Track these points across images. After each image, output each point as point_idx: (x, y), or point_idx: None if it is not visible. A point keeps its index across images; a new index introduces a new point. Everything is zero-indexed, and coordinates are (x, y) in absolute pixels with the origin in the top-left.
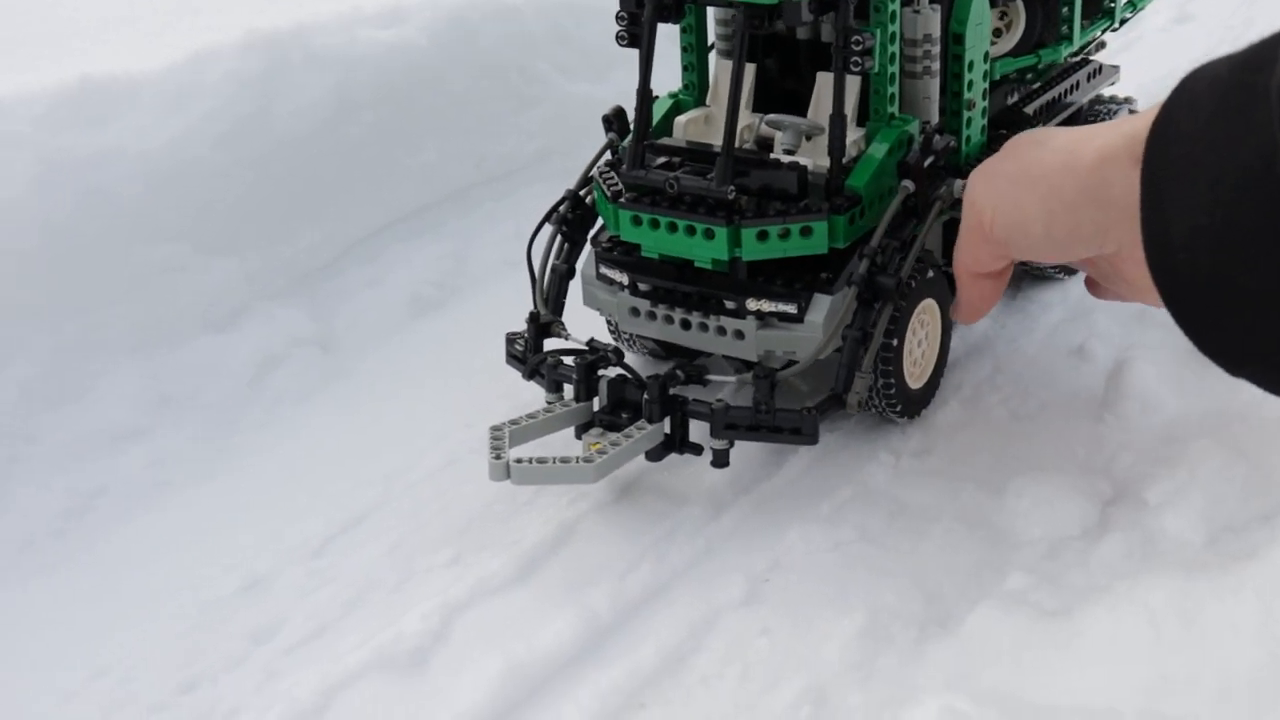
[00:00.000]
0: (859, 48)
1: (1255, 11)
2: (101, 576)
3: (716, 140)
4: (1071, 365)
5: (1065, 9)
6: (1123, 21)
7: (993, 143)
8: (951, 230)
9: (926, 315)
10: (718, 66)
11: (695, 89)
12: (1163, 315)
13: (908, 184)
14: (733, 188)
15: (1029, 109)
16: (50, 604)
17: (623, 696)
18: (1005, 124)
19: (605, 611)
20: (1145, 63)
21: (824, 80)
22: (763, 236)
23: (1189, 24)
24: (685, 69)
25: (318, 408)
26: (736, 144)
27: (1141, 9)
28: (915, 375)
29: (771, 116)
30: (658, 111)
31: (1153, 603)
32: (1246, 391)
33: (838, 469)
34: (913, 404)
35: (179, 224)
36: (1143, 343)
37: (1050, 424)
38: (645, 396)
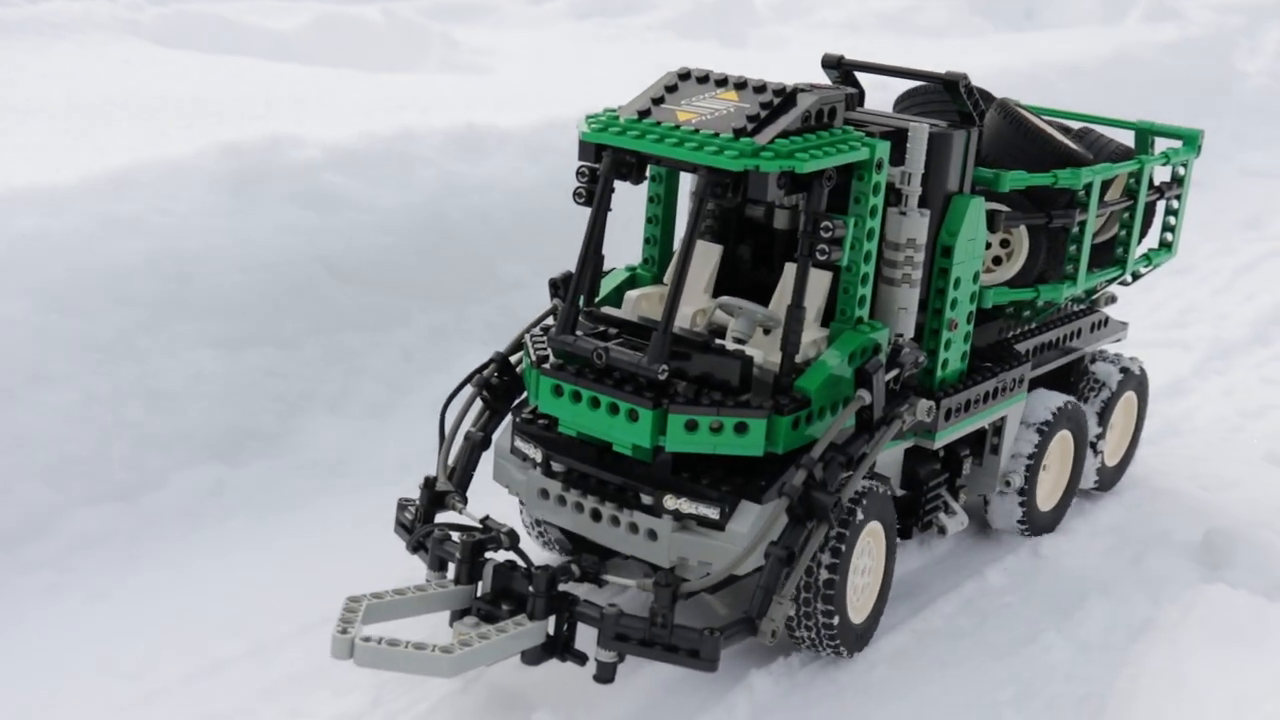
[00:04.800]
0: (827, 235)
1: None
2: None
3: None
4: (1262, 468)
5: (1073, 247)
6: (1135, 276)
7: (976, 373)
8: (916, 457)
9: (871, 540)
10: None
11: (655, 264)
12: None
13: (863, 394)
14: (665, 367)
15: (1022, 347)
16: None
17: None
18: (994, 358)
19: None
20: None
21: (790, 270)
22: (692, 427)
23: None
24: (647, 241)
25: None
26: (688, 326)
27: (1158, 265)
28: (858, 607)
29: (725, 300)
30: (611, 282)
31: None
32: None
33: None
34: (854, 639)
35: (528, 248)
36: None
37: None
38: (531, 589)
